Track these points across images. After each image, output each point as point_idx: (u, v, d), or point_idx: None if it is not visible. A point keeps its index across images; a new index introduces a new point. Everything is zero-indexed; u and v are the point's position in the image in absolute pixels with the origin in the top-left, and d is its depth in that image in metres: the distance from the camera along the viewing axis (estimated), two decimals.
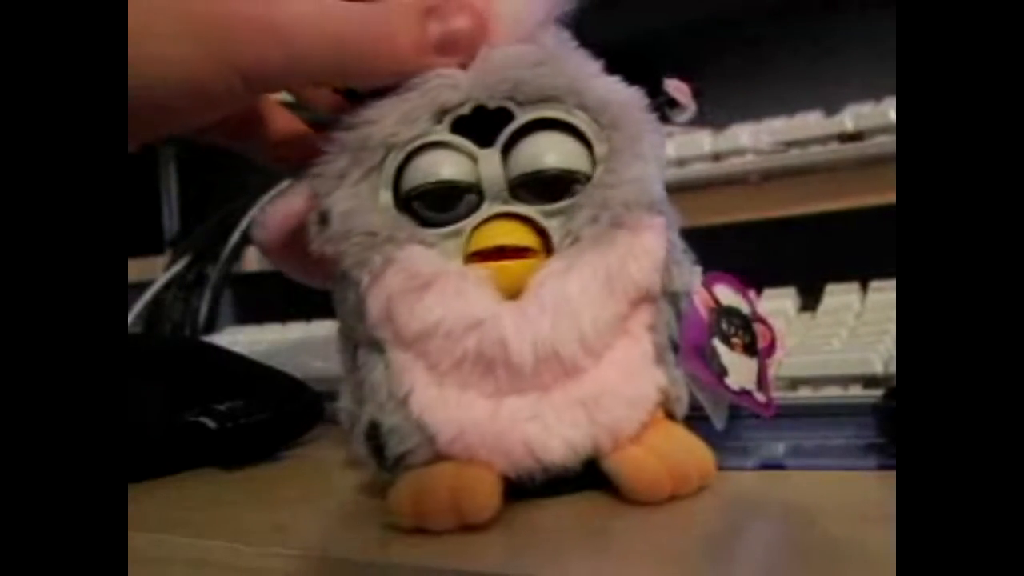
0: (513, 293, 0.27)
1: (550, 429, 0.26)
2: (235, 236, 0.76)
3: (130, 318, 0.75)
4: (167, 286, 0.77)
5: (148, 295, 0.77)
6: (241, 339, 0.62)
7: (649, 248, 0.28)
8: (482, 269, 0.27)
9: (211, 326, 0.76)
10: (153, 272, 0.79)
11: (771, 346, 0.33)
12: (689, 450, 0.27)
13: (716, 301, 0.31)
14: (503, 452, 0.26)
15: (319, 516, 0.30)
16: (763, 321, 0.33)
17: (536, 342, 0.26)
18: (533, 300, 0.26)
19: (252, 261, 0.77)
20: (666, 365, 0.28)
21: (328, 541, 0.27)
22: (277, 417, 0.38)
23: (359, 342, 0.29)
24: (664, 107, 0.30)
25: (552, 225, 0.28)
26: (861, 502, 0.25)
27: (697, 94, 0.31)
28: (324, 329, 0.60)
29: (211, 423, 0.37)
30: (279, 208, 0.30)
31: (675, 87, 0.31)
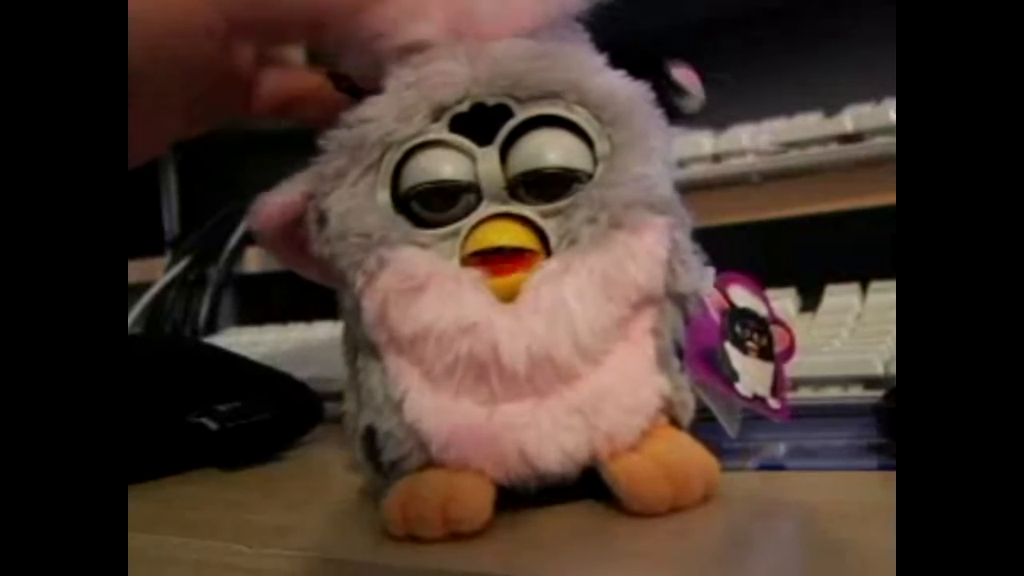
0: (511, 296, 0.26)
1: (545, 436, 0.25)
2: (235, 237, 0.76)
3: (131, 319, 0.76)
4: (167, 287, 0.77)
5: (148, 296, 0.77)
6: (241, 340, 0.62)
7: (650, 248, 0.26)
8: (477, 271, 0.26)
9: (212, 327, 0.76)
10: (153, 273, 0.79)
11: (790, 349, 0.31)
12: (692, 457, 0.26)
13: (730, 303, 0.30)
14: (496, 459, 0.25)
15: (320, 517, 0.30)
16: (781, 323, 0.31)
17: (530, 347, 0.25)
18: (528, 304, 0.26)
19: (253, 262, 0.77)
20: (670, 370, 0.27)
21: (329, 542, 0.27)
22: (278, 418, 0.38)
23: (358, 346, 0.28)
24: (673, 97, 0.29)
25: (550, 226, 0.27)
26: (862, 503, 0.25)
27: (705, 81, 0.30)
28: (325, 330, 0.60)
29: (212, 424, 0.37)
30: (276, 200, 0.30)
31: (682, 75, 0.30)
